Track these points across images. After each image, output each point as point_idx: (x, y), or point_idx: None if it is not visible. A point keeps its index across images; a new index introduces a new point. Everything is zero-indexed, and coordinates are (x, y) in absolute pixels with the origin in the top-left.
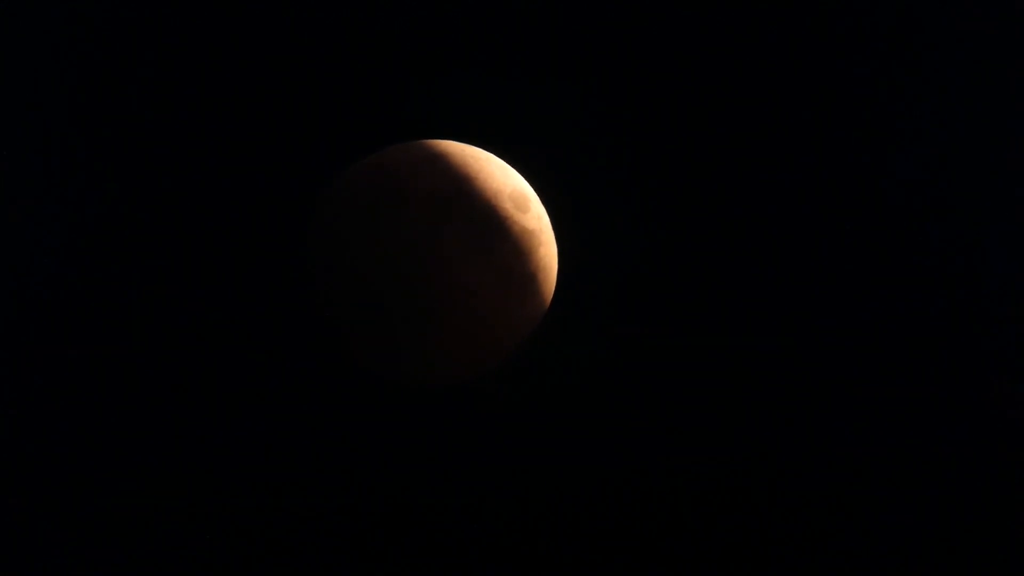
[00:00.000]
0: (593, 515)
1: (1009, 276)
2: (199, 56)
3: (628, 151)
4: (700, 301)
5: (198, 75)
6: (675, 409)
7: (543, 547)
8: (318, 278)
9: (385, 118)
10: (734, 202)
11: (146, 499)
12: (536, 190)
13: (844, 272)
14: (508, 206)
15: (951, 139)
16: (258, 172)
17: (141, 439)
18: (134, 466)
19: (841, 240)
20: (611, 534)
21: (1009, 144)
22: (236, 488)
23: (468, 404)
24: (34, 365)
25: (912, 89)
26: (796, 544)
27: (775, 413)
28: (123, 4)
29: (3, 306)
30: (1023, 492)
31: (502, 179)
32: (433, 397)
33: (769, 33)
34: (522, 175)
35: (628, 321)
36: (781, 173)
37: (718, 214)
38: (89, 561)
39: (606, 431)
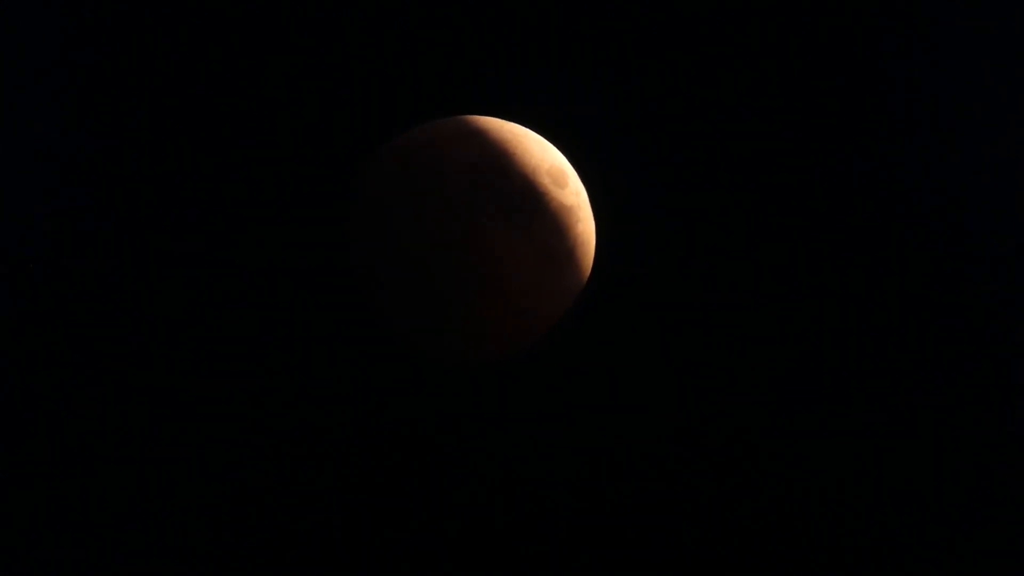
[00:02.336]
0: (633, 488)
1: (1011, 276)
2: (250, 37)
3: (666, 127)
4: (739, 277)
5: (249, 54)
6: (709, 383)
7: (580, 519)
8: (358, 252)
9: (425, 94)
10: (774, 177)
11: (187, 474)
12: (574, 165)
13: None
14: (546, 181)
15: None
16: (303, 146)
17: (180, 414)
18: (171, 440)
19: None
20: (654, 506)
21: (1012, 144)
22: (276, 462)
23: (506, 379)
24: (69, 343)
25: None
26: (811, 543)
27: (819, 386)
28: None
29: (57, 279)
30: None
31: (540, 155)
32: (472, 373)
33: (813, 12)
34: (560, 151)
35: (666, 296)
36: (819, 154)
37: (757, 190)
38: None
39: (644, 405)
